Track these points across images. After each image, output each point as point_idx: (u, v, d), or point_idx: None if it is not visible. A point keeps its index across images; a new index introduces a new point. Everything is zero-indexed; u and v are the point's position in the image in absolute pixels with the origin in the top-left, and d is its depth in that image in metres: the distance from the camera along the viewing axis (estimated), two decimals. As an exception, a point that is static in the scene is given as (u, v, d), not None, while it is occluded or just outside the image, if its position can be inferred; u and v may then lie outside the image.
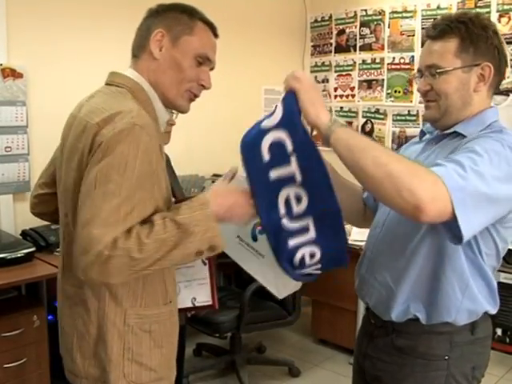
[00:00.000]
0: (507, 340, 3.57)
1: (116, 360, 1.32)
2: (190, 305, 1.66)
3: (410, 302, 1.46)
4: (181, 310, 1.49)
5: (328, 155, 1.37)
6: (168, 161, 2.39)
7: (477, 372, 1.50)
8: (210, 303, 1.65)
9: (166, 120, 1.43)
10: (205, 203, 1.26)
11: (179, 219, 1.21)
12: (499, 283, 3.50)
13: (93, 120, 1.25)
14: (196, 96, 1.43)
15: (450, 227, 1.25)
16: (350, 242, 2.66)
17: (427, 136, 1.60)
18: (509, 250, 3.79)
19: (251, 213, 1.32)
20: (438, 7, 4.16)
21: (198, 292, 1.64)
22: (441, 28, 1.43)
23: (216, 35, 1.43)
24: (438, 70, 1.41)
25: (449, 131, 1.47)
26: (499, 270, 3.52)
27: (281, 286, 1.40)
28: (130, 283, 1.31)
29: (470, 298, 1.44)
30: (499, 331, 3.59)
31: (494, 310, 1.50)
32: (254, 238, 1.44)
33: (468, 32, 1.40)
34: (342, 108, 4.85)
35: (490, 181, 1.24)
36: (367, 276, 1.57)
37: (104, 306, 1.31)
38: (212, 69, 1.44)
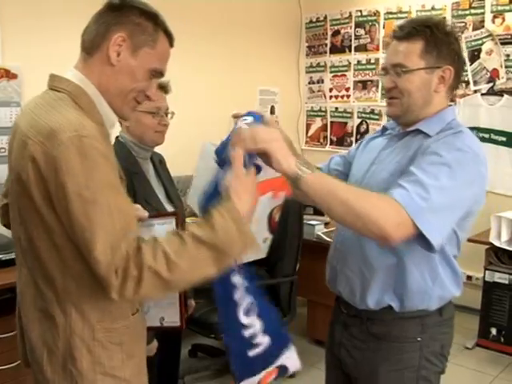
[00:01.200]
0: (502, 339, 3.57)
1: (87, 374, 1.28)
2: (158, 324, 1.62)
3: (384, 291, 1.54)
4: (148, 329, 1.45)
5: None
6: (163, 162, 2.38)
7: (445, 350, 1.61)
8: (178, 324, 1.60)
9: (114, 122, 1.37)
10: (238, 218, 1.21)
11: (215, 243, 1.17)
12: (494, 283, 3.53)
13: (34, 137, 1.19)
14: (139, 104, 1.39)
15: (421, 241, 1.38)
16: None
17: (389, 131, 1.68)
18: (503, 249, 3.80)
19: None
20: (433, 8, 4.17)
21: (166, 311, 1.61)
22: (408, 30, 1.50)
23: (172, 46, 1.38)
24: (404, 69, 1.49)
25: (411, 129, 1.55)
26: (494, 270, 3.53)
27: None
28: (97, 298, 1.26)
29: (440, 286, 1.54)
30: (494, 331, 3.60)
31: (459, 294, 1.61)
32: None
33: (433, 36, 1.48)
34: (337, 108, 4.86)
35: (450, 192, 1.38)
36: (339, 267, 1.63)
37: (71, 321, 1.26)
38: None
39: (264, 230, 1.40)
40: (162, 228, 1.54)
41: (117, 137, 2.15)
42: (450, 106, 1.58)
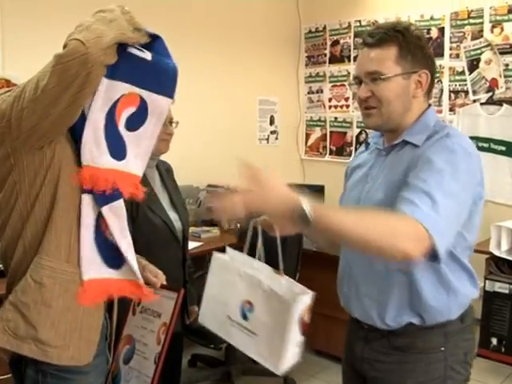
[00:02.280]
0: (502, 349, 3.56)
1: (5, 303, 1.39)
2: None
3: (401, 310, 1.50)
4: None
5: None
6: (170, 170, 2.41)
7: (468, 357, 1.56)
8: None
9: None
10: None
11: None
12: (494, 292, 3.51)
13: None
14: None
15: (429, 253, 1.30)
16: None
17: (373, 145, 1.64)
18: (503, 259, 3.78)
19: None
20: (432, 18, 4.19)
21: None
22: (379, 36, 1.46)
23: None
24: (382, 76, 1.44)
25: (397, 141, 1.51)
26: (494, 280, 3.52)
27: (277, 361, 1.32)
28: (37, 229, 1.38)
29: (455, 295, 1.49)
30: (494, 340, 3.58)
31: (477, 294, 1.56)
32: (245, 317, 1.40)
33: (405, 41, 1.45)
34: (336, 118, 4.87)
35: (455, 197, 1.34)
36: (352, 293, 1.60)
37: (15, 250, 1.41)
38: None
39: (297, 335, 1.37)
40: (169, 303, 1.68)
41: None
42: (429, 107, 1.54)
